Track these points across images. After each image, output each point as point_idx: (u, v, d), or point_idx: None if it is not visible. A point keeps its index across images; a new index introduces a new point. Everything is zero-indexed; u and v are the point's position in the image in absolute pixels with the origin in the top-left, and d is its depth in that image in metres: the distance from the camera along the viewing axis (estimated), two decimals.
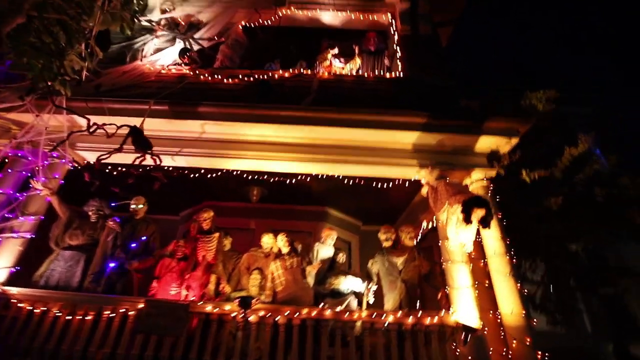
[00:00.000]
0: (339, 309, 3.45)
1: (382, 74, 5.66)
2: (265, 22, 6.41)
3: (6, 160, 3.78)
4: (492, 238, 3.82)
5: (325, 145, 4.36)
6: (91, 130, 3.56)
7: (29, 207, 3.75)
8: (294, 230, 5.72)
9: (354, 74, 5.65)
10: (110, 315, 3.26)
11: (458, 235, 3.60)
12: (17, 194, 3.72)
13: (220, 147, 4.31)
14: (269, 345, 3.25)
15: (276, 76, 5.16)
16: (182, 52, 5.02)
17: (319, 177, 4.59)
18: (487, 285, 3.67)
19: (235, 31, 6.36)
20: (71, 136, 3.80)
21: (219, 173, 4.55)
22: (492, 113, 4.11)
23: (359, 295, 4.17)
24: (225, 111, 4.11)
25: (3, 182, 3.71)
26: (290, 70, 5.28)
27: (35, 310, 3.24)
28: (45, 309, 3.26)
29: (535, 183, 4.41)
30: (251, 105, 4.13)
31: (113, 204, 3.96)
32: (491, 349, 3.51)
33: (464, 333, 3.14)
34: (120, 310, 3.27)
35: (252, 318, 3.31)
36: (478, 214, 3.28)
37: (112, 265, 3.67)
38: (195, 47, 5.84)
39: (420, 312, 3.46)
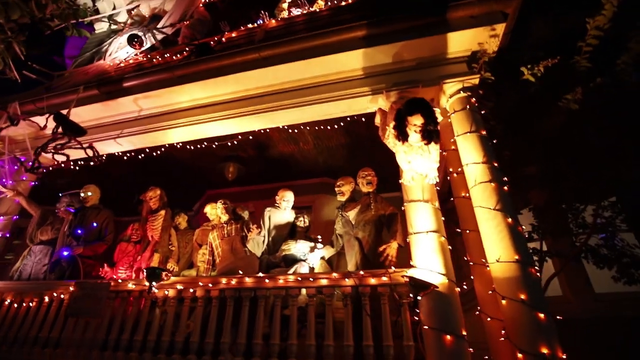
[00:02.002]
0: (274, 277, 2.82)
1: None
2: None
3: None
4: (472, 162, 2.74)
5: (261, 94, 3.77)
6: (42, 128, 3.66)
7: (0, 208, 4.04)
8: (295, 207, 5.21)
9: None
10: (49, 300, 3.24)
11: (410, 163, 2.65)
12: None
13: (157, 120, 4.07)
14: (200, 322, 2.82)
15: (224, 39, 4.73)
16: (130, 40, 4.95)
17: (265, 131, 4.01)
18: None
19: (197, 11, 6.15)
20: (33, 139, 3.99)
21: (163, 149, 4.32)
22: None
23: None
24: (147, 80, 3.84)
25: None
26: (241, 28, 4.80)
27: None
28: (1, 299, 3.40)
29: (547, 81, 3.04)
30: (170, 67, 3.78)
31: (60, 194, 4.03)
32: (476, 310, 2.51)
33: (412, 292, 2.21)
34: (56, 295, 3.23)
35: (170, 292, 2.93)
36: (414, 123, 2.32)
37: (65, 253, 3.70)
38: (160, 37, 5.79)
39: (362, 271, 2.61)
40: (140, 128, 4.08)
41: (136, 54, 5.26)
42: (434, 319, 2.23)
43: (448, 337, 2.13)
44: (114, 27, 6.00)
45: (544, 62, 2.96)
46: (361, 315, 2.46)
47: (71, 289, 3.16)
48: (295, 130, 4.38)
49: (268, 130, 4.19)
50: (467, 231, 3.01)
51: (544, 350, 1.99)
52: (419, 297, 2.18)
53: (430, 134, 2.36)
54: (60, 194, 4.07)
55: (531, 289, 2.19)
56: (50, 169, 4.39)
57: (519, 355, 2.07)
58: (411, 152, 2.61)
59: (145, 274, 2.81)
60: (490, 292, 2.41)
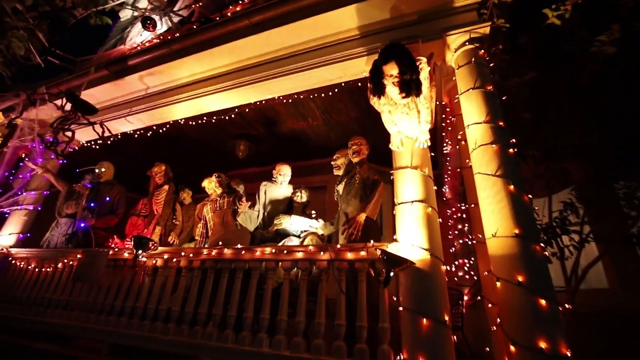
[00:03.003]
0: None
1: None
2: None
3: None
4: (473, 122, 2.33)
5: (256, 63, 3.63)
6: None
7: (31, 184, 4.44)
8: (310, 187, 5.11)
9: None
10: (62, 267, 3.48)
11: (397, 125, 2.33)
12: (23, 175, 4.45)
13: (162, 97, 4.13)
14: (183, 292, 2.82)
15: (229, 13, 4.63)
16: (143, 23, 5.07)
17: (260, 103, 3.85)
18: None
19: None
20: (57, 121, 4.31)
21: (168, 126, 4.38)
22: None
23: None
24: (148, 56, 3.88)
25: (8, 167, 4.50)
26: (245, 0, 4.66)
27: (20, 265, 3.77)
28: (28, 265, 3.74)
29: (577, 23, 2.44)
30: (167, 42, 3.77)
31: (77, 170, 4.30)
32: (465, 296, 2.17)
33: (384, 268, 1.93)
34: (66, 262, 3.46)
35: (159, 262, 2.96)
36: (389, 74, 2.00)
37: (82, 225, 3.96)
38: (177, 20, 5.90)
39: (339, 245, 2.37)
40: (147, 105, 4.18)
41: (152, 38, 5.41)
42: (410, 299, 1.94)
43: (424, 320, 1.83)
44: (135, 13, 6.23)
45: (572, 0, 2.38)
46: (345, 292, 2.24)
47: (79, 256, 3.35)
48: (302, 106, 4.18)
49: (272, 103, 4.05)
50: (472, 205, 2.62)
51: (542, 344, 1.62)
52: (391, 274, 1.89)
53: (407, 84, 2.01)
54: (77, 170, 4.35)
55: (532, 270, 1.79)
56: (70, 147, 4.72)
57: (512, 347, 1.71)
58: (396, 112, 2.27)
59: (132, 242, 2.86)
60: (486, 272, 2.05)
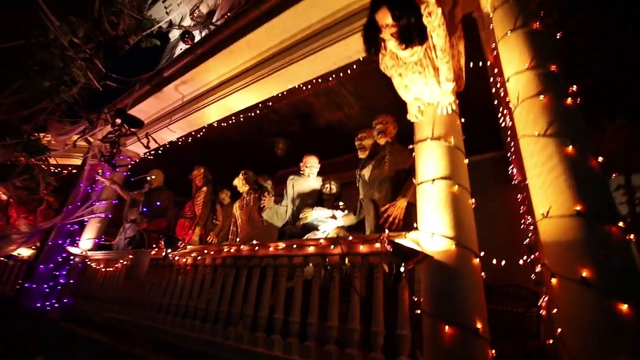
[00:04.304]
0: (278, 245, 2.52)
1: None
2: None
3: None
4: (514, 72, 1.81)
5: (274, 53, 3.51)
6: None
7: (103, 195, 5.04)
8: (342, 183, 4.92)
9: None
10: (120, 267, 3.84)
11: (410, 90, 1.95)
12: (97, 187, 5.08)
13: (195, 102, 4.29)
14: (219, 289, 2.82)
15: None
16: (182, 37, 5.39)
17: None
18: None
19: None
20: (120, 139, 4.85)
21: (203, 131, 4.52)
22: None
23: None
24: (179, 65, 4.06)
25: (88, 181, 5.17)
26: None
27: (92, 265, 4.28)
28: (98, 265, 4.23)
29: None
30: (192, 47, 3.88)
31: (132, 179, 4.71)
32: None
33: (396, 262, 1.57)
34: (123, 262, 3.79)
35: (188, 260, 3.01)
36: (384, 24, 1.64)
37: (138, 229, 4.34)
38: None
39: (351, 237, 2.04)
40: (184, 113, 4.40)
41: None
42: (429, 301, 1.54)
43: (447, 328, 1.42)
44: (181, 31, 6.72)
45: None
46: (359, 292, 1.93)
47: (130, 257, 3.64)
48: (335, 94, 3.95)
49: (303, 95, 3.91)
50: (526, 182, 2.05)
51: None
52: (401, 269, 1.52)
53: (407, 32, 1.60)
54: (131, 179, 4.79)
55: (604, 261, 1.25)
56: (132, 160, 5.25)
57: None
58: (408, 73, 1.86)
59: (163, 241, 2.96)
60: (540, 266, 1.53)
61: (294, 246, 2.23)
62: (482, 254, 1.78)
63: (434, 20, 1.70)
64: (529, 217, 1.90)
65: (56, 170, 5.41)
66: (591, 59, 2.95)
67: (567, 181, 1.41)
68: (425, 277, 1.61)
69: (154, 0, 7.24)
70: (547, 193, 1.47)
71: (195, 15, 6.75)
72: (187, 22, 6.79)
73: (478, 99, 3.38)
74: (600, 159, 1.45)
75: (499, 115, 3.40)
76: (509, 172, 3.90)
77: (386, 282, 1.81)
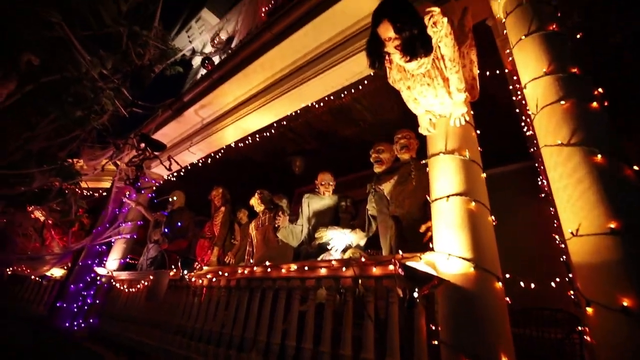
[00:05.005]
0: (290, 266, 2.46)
1: None
2: None
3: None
4: (531, 78, 1.70)
5: (287, 74, 3.56)
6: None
7: (128, 216, 5.23)
8: (357, 200, 4.87)
9: None
10: (141, 287, 3.90)
11: (419, 103, 1.88)
12: (124, 209, 5.29)
13: (214, 124, 4.42)
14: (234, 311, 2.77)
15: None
16: (202, 63, 5.64)
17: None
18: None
19: (260, 22, 6.49)
20: (144, 162, 5.08)
21: (222, 152, 4.61)
22: None
23: None
24: (198, 89, 4.22)
25: (116, 204, 5.39)
26: None
27: (117, 286, 4.39)
28: (122, 285, 4.34)
29: None
30: (209, 72, 4.03)
31: (156, 201, 4.85)
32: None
33: (408, 287, 1.45)
34: (144, 283, 3.85)
35: (204, 282, 3.00)
36: (386, 37, 1.60)
37: (160, 249, 4.43)
38: None
39: (363, 258, 1.94)
40: (203, 135, 4.54)
41: None
42: (446, 329, 1.40)
43: None
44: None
45: None
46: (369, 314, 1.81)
47: (151, 277, 3.70)
48: (349, 111, 3.96)
49: (317, 113, 3.95)
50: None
51: None
52: (415, 295, 1.40)
53: (410, 44, 1.54)
54: (155, 201, 4.94)
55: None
56: (156, 182, 5.44)
57: None
58: (416, 85, 1.79)
59: (179, 263, 2.98)
60: (572, 293, 1.36)
61: (306, 268, 2.15)
62: (507, 276, 1.62)
63: (440, 30, 1.63)
64: (557, 236, 1.72)
65: (88, 194, 5.70)
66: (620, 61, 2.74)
67: (598, 194, 1.26)
68: (442, 303, 1.48)
69: (177, 31, 7.70)
70: (575, 208, 1.32)
71: (215, 42, 7.08)
72: (208, 49, 7.12)
73: (501, 106, 3.23)
74: (635, 167, 1.29)
75: (522, 123, 3.23)
76: (539, 183, 3.66)
77: (402, 308, 1.69)
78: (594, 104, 1.45)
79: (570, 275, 2.72)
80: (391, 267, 1.76)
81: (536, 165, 3.67)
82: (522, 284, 1.82)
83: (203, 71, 6.59)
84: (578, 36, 1.78)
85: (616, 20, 2.59)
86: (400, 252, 1.73)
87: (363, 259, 1.91)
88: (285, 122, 4.04)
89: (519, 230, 3.28)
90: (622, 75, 2.42)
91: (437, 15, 1.60)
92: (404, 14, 1.53)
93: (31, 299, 5.38)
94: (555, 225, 2.90)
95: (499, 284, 1.44)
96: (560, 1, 2.06)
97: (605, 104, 1.47)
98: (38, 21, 3.10)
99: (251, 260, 3.38)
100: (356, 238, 2.82)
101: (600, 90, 1.51)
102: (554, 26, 1.73)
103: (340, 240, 2.82)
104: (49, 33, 3.20)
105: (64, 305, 4.71)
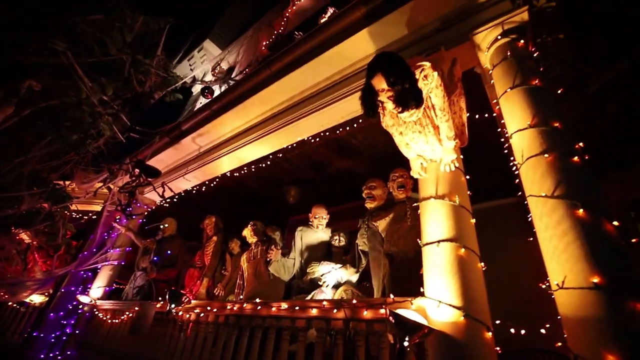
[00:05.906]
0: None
1: None
2: (278, 30, 6.48)
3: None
4: (517, 129, 1.79)
5: (284, 109, 3.68)
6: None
7: (117, 242, 5.12)
8: (351, 231, 4.88)
9: None
10: (125, 319, 3.76)
11: (411, 148, 1.96)
12: (113, 234, 5.19)
13: (211, 153, 4.46)
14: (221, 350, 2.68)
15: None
16: (202, 92, 5.79)
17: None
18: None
19: (261, 55, 6.76)
20: (137, 189, 5.05)
21: (217, 180, 4.64)
22: None
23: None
24: (196, 119, 4.30)
25: (105, 228, 5.30)
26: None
27: (100, 315, 4.22)
28: (106, 315, 4.18)
29: None
30: (208, 104, 4.14)
31: (147, 227, 4.78)
32: None
33: (397, 335, 1.44)
34: (127, 314, 3.72)
35: (192, 316, 2.92)
36: (380, 89, 1.69)
37: (147, 278, 4.32)
38: None
39: (355, 300, 1.93)
40: (199, 163, 4.57)
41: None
42: None
43: None
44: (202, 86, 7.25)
45: None
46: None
47: (136, 308, 3.58)
48: (345, 143, 4.05)
49: (314, 145, 4.03)
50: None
51: None
52: (405, 343, 1.39)
53: (402, 96, 1.63)
54: (146, 227, 4.87)
55: (634, 350, 1.10)
56: (148, 207, 5.39)
57: None
58: (408, 132, 1.88)
59: (167, 296, 2.91)
60: (559, 345, 1.37)
61: (297, 307, 2.12)
62: (497, 322, 1.63)
63: (430, 82, 1.74)
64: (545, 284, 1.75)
65: (77, 217, 5.60)
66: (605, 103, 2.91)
67: (582, 248, 1.30)
68: (432, 352, 1.46)
69: (179, 59, 7.94)
70: (561, 260, 1.36)
71: (216, 71, 7.30)
72: (209, 77, 7.33)
73: (490, 142, 3.35)
74: (615, 223, 1.35)
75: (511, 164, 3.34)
76: (529, 220, 3.71)
77: (392, 355, 1.67)
78: (575, 158, 1.53)
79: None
80: (382, 310, 1.75)
81: (525, 202, 3.77)
82: (512, 330, 1.82)
83: (202, 99, 6.76)
84: (559, 91, 1.90)
85: (593, 70, 2.78)
86: (392, 295, 1.73)
87: (355, 301, 1.90)
88: (280, 155, 4.11)
89: (509, 270, 3.29)
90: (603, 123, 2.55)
91: (427, 69, 1.72)
92: (397, 68, 1.64)
93: (6, 327, 5.12)
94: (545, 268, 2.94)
95: (489, 334, 1.45)
96: (543, 54, 2.22)
97: (586, 157, 1.56)
98: (44, 49, 3.20)
99: (241, 296, 3.31)
100: (347, 274, 2.81)
101: (580, 144, 1.60)
102: (537, 81, 1.85)
103: (332, 276, 2.80)
104: (53, 60, 3.29)
105: (41, 334, 4.49)
